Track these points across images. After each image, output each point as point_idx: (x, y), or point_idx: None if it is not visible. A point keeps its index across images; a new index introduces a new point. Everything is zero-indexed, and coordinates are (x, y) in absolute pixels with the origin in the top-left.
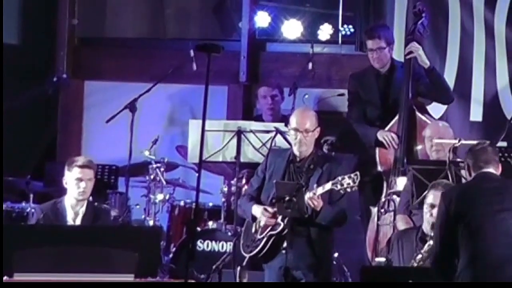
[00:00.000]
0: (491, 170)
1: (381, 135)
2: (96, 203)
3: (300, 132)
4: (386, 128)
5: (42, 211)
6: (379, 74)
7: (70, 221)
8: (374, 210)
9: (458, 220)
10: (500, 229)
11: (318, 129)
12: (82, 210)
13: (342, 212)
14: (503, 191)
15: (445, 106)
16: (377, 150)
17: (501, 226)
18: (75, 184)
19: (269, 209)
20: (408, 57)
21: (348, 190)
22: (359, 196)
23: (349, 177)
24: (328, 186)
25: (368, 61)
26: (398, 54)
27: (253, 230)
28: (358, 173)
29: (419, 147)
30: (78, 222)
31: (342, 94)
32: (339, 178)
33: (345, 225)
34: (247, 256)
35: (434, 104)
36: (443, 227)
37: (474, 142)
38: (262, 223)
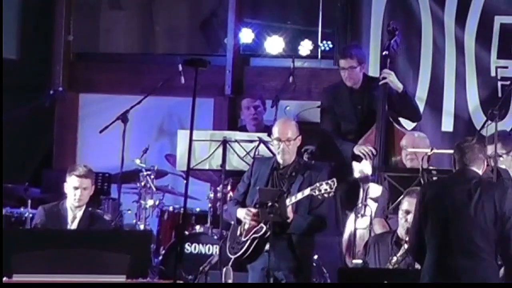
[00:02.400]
0: (474, 168)
1: (357, 149)
2: (90, 209)
3: (282, 142)
4: (360, 141)
5: (45, 211)
6: (352, 88)
7: (69, 223)
8: (351, 215)
9: (427, 216)
10: (462, 235)
11: (300, 137)
12: (79, 214)
13: (319, 219)
14: (474, 195)
15: None
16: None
17: (463, 232)
18: (72, 192)
19: (252, 209)
20: (381, 83)
21: (326, 195)
22: (336, 201)
23: (327, 183)
24: (307, 191)
25: None
26: (374, 68)
27: (238, 233)
28: (335, 179)
29: (397, 158)
30: (75, 225)
31: (320, 106)
32: (317, 184)
33: (325, 230)
34: (232, 257)
35: None
36: (416, 220)
37: (445, 151)
38: (246, 226)
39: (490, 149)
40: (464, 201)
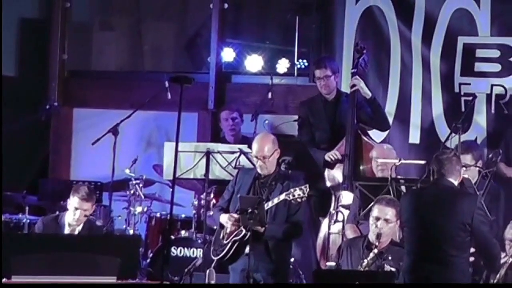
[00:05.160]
0: (451, 179)
1: (327, 156)
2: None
3: (259, 159)
4: (333, 150)
5: (43, 224)
6: (326, 101)
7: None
8: (323, 220)
9: (404, 224)
10: (433, 242)
11: (278, 151)
12: (78, 229)
13: (294, 226)
14: (444, 204)
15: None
16: (326, 169)
17: (433, 239)
18: (72, 211)
19: (234, 215)
20: (351, 90)
21: (299, 200)
22: (311, 208)
23: (300, 189)
24: (282, 196)
25: (319, 91)
26: (346, 84)
27: (221, 236)
28: (307, 185)
29: (364, 166)
30: None
31: (297, 120)
32: (291, 190)
33: (301, 236)
34: (215, 259)
35: None
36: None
37: (413, 161)
38: (228, 230)
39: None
40: (435, 210)
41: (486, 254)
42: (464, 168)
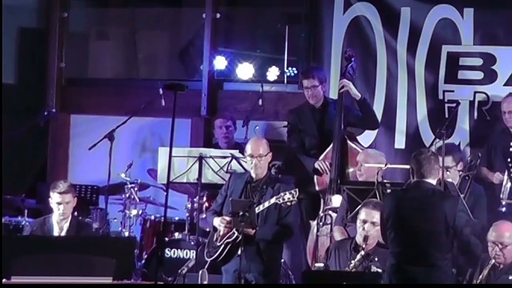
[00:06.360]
0: (430, 180)
1: (317, 164)
2: (80, 218)
3: (254, 158)
4: (322, 156)
5: (32, 227)
6: (314, 109)
7: (57, 234)
8: (313, 223)
9: (389, 227)
10: (416, 244)
11: (270, 154)
12: (66, 225)
13: (284, 228)
14: (426, 206)
15: (374, 136)
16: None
17: (416, 241)
18: (56, 207)
19: (226, 218)
20: (341, 91)
21: (289, 203)
22: (302, 211)
23: (290, 193)
24: (273, 200)
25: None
26: (334, 92)
27: (214, 238)
28: (297, 189)
29: (350, 170)
30: (63, 234)
31: (287, 126)
32: (282, 193)
33: (291, 237)
34: (209, 260)
35: (364, 133)
36: (381, 226)
37: (398, 166)
38: (221, 233)
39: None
40: (417, 212)
41: (470, 254)
42: (448, 173)
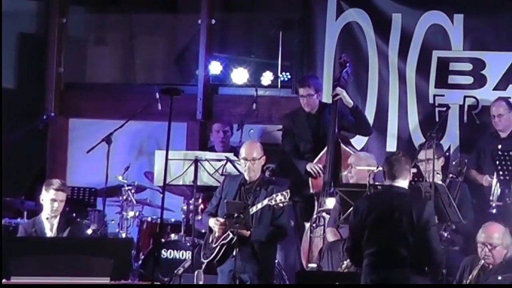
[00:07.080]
0: (400, 181)
1: (309, 167)
2: (68, 214)
3: (248, 161)
4: (315, 159)
5: (24, 228)
6: (309, 114)
7: (48, 232)
8: (307, 225)
9: (363, 228)
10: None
11: (264, 157)
12: (56, 221)
13: (278, 229)
14: (396, 208)
15: (366, 139)
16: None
17: (388, 243)
18: (50, 204)
19: (221, 219)
20: (334, 99)
21: (281, 205)
22: (296, 213)
23: (282, 194)
24: (265, 202)
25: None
26: (327, 96)
27: (210, 240)
28: (288, 191)
29: (343, 173)
30: (54, 231)
31: (281, 129)
32: (274, 195)
33: (285, 238)
34: (205, 261)
35: (356, 137)
36: (352, 229)
37: None
38: (216, 234)
39: (422, 154)
40: (388, 214)
41: (431, 260)
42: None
